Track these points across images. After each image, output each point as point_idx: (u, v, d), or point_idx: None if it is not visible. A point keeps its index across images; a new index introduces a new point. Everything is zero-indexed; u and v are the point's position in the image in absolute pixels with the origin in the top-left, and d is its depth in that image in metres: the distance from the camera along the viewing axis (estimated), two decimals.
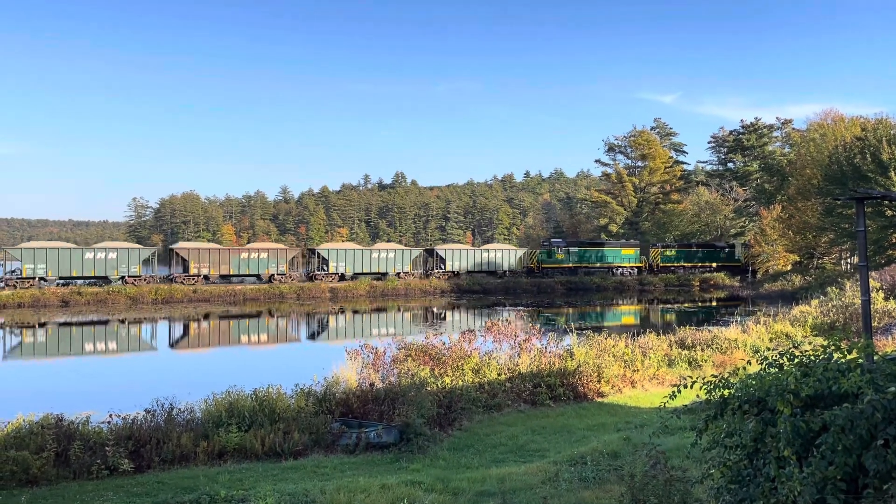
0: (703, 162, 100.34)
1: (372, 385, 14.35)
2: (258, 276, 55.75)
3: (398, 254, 61.71)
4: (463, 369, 16.23)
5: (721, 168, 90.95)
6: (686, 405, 7.27)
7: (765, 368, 5.08)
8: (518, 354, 17.82)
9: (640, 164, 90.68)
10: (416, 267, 63.06)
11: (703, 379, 5.43)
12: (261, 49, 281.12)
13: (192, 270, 53.02)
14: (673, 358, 19.92)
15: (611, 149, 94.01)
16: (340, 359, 16.89)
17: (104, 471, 10.66)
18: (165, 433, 11.77)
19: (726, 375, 5.31)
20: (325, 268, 58.22)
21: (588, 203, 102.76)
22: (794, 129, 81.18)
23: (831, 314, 27.58)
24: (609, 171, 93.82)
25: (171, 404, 12.68)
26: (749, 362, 6.00)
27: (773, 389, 4.66)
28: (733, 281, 67.05)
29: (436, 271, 62.75)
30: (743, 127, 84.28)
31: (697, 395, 5.66)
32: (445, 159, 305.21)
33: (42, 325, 37.83)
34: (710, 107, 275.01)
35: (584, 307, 51.49)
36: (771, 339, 23.64)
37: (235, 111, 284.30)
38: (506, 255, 66.67)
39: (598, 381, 17.06)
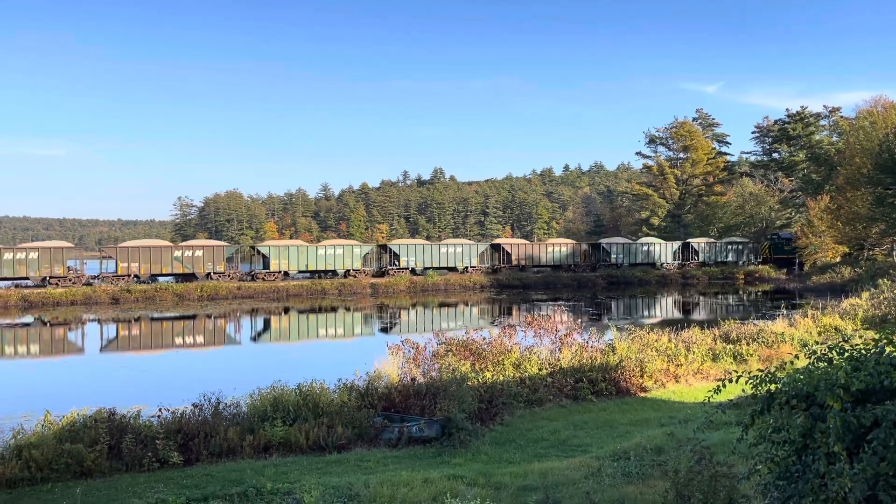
0: (748, 153, 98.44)
1: (413, 380, 14.45)
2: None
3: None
4: (504, 364, 16.23)
5: (766, 159, 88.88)
6: (731, 400, 7.15)
7: (813, 363, 4.98)
8: (559, 349, 17.75)
9: (682, 155, 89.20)
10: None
11: (749, 373, 5.34)
12: (300, 47, 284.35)
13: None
14: (717, 352, 19.61)
15: (652, 141, 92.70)
16: (383, 353, 17.03)
17: (155, 463, 10.95)
18: (213, 427, 12.03)
19: (773, 370, 5.22)
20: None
21: (629, 196, 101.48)
22: (842, 117, 78.87)
23: (883, 307, 26.81)
24: (650, 163, 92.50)
25: (217, 399, 12.94)
26: (797, 356, 5.90)
27: (822, 384, 4.56)
28: (779, 273, 65.60)
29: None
30: (789, 116, 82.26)
31: (743, 390, 5.58)
32: (484, 154, 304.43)
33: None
34: (755, 96, 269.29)
35: (626, 301, 50.97)
36: (819, 333, 23.09)
37: (276, 110, 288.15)
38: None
39: (641, 376, 16.89)
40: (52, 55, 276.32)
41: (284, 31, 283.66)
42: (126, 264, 50.23)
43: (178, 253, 52.69)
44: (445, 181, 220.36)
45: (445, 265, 61.84)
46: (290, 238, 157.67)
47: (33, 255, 48.49)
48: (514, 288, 58.54)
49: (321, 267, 57.13)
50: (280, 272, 55.15)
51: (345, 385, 14.15)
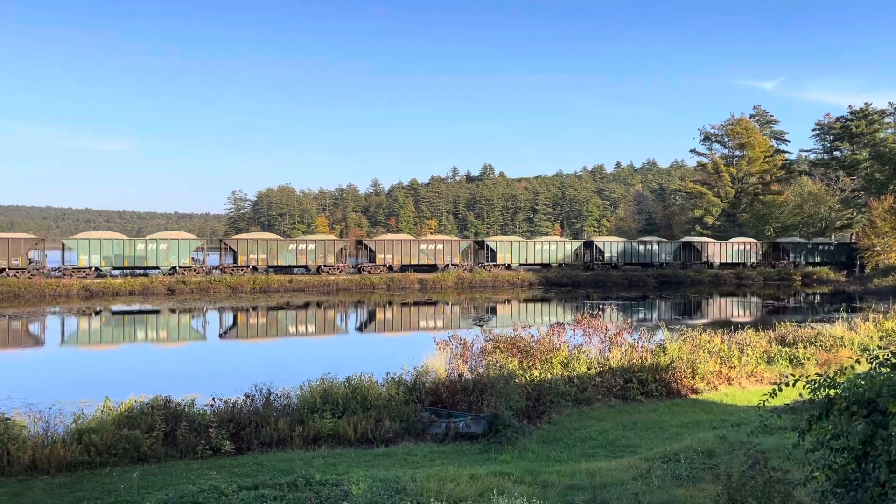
0: (807, 151, 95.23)
1: (460, 376, 14.47)
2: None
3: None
4: (552, 362, 16.12)
5: (826, 157, 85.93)
6: (787, 404, 6.96)
7: (875, 368, 4.82)
8: (608, 349, 17.55)
9: (738, 153, 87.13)
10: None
11: (807, 377, 5.19)
12: (352, 44, 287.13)
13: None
14: (772, 355, 19.11)
15: (707, 138, 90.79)
16: (430, 349, 17.09)
17: (208, 451, 11.22)
18: (264, 417, 12.27)
19: (832, 374, 5.06)
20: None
21: (682, 194, 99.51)
22: None
23: None
24: (705, 160, 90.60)
25: (268, 390, 13.18)
26: (857, 361, 5.70)
27: (884, 390, 4.41)
28: (839, 275, 63.53)
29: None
30: (851, 113, 79.46)
31: (800, 395, 5.43)
32: (534, 151, 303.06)
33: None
34: (815, 92, 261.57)
35: (678, 301, 50.07)
36: (881, 338, 22.26)
37: (329, 106, 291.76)
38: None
39: (692, 378, 16.58)
40: (116, 54, 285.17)
41: (338, 29, 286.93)
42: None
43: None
44: (494, 177, 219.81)
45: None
46: (340, 234, 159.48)
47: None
48: (562, 286, 58.11)
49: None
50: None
51: (392, 379, 14.25)
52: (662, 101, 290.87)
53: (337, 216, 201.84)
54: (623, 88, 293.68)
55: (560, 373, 15.77)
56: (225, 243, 56.58)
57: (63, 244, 52.56)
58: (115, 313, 39.53)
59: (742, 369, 17.63)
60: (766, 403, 6.23)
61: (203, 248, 56.54)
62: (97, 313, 39.28)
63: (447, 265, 59.03)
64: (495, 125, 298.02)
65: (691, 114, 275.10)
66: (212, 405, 12.55)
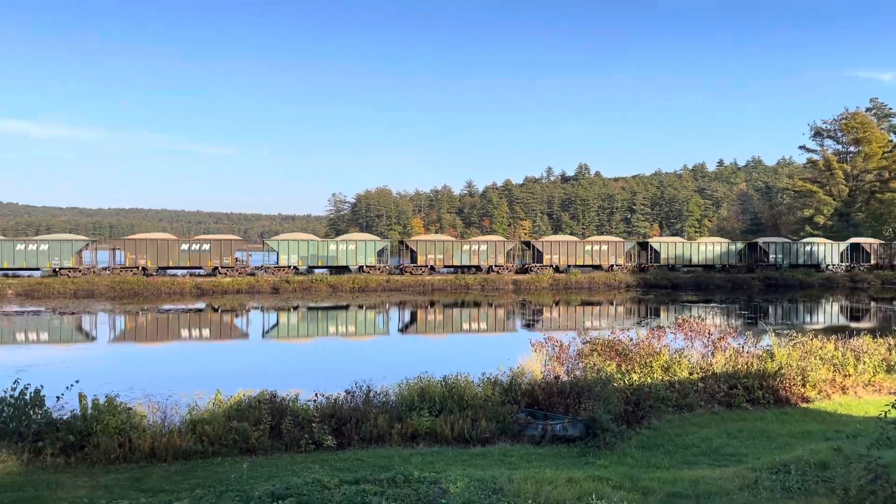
0: None
1: (557, 378, 14.34)
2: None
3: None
4: (651, 366, 15.72)
5: None
6: None
7: None
8: (712, 353, 16.95)
9: (852, 149, 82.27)
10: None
11: None
12: (447, 49, 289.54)
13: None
14: (893, 364, 17.92)
15: (818, 133, 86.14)
16: (526, 350, 17.03)
17: (311, 445, 11.62)
18: (364, 414, 12.57)
19: None
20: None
21: (790, 193, 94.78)
22: None
23: None
24: (816, 157, 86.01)
25: (368, 387, 13.50)
26: None
27: None
28: None
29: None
30: None
31: None
32: (631, 149, 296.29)
33: (295, 308, 42.53)
34: None
35: (786, 305, 47.71)
36: None
37: (425, 109, 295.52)
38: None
39: (803, 385, 15.77)
40: (220, 64, 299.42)
41: (434, 34, 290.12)
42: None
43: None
44: (590, 177, 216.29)
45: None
46: (436, 233, 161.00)
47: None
48: (662, 288, 56.53)
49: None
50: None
51: (488, 379, 14.29)
52: (769, 97, 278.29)
53: (432, 217, 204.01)
54: (727, 84, 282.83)
55: (660, 377, 15.36)
56: (406, 244, 59.68)
57: (265, 244, 57.26)
58: (310, 309, 41.99)
59: (858, 378, 16.63)
60: (888, 414, 5.87)
61: (387, 250, 59.63)
62: (294, 308, 42.04)
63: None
64: (592, 124, 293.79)
65: (800, 109, 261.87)
66: (314, 400, 12.97)
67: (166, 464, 10.81)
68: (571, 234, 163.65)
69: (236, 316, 39.34)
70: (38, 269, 50.77)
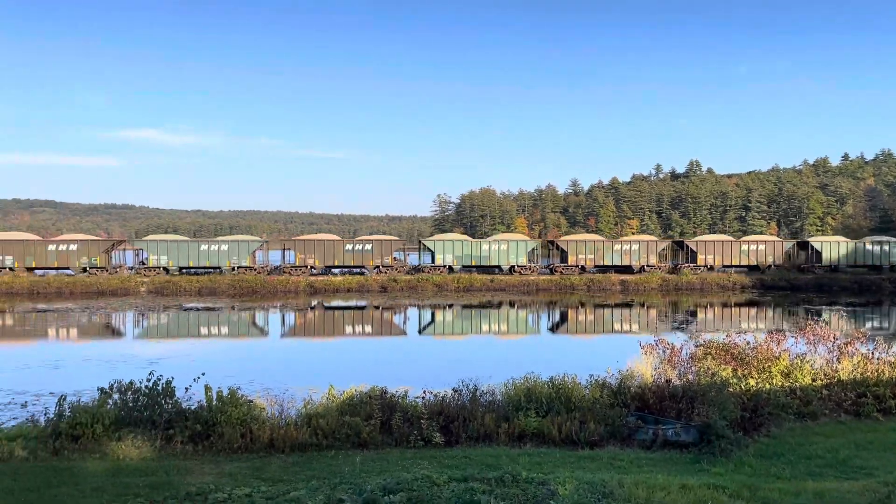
0: None
1: (668, 381, 13.94)
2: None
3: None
4: (770, 372, 15.00)
5: None
6: None
7: None
8: (837, 359, 15.98)
9: None
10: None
11: None
12: (552, 45, 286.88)
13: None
14: None
15: None
16: (634, 352, 16.64)
17: (420, 441, 11.84)
18: (471, 412, 12.68)
19: None
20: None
21: None
22: None
23: None
24: None
25: (475, 385, 13.60)
26: None
27: None
28: None
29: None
30: None
31: None
32: (746, 144, 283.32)
33: (450, 305, 44.21)
34: None
35: None
36: None
37: (528, 107, 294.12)
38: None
39: None
40: (336, 73, 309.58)
41: (535, 31, 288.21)
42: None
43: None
44: (702, 174, 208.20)
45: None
46: (539, 235, 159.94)
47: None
48: (780, 289, 53.71)
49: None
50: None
51: (596, 381, 14.07)
52: None
53: (536, 217, 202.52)
54: (853, 73, 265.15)
55: (780, 383, 14.63)
56: (556, 244, 60.59)
57: (421, 244, 59.91)
58: (464, 307, 43.50)
59: None
60: None
61: (537, 250, 60.49)
62: (450, 306, 43.71)
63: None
64: (703, 119, 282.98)
65: None
66: (423, 398, 13.22)
67: (284, 455, 11.31)
68: (682, 233, 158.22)
69: (395, 313, 40.80)
70: (218, 267, 54.33)
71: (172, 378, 12.51)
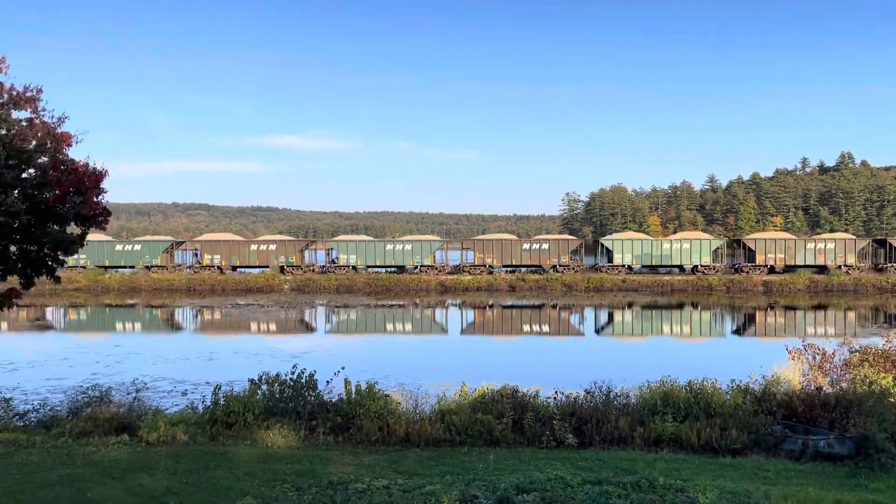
0: None
1: (819, 389, 13.06)
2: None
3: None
4: None
5: None
6: None
7: None
8: None
9: None
10: None
11: None
12: (688, 37, 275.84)
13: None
14: None
15: None
16: (776, 357, 15.71)
17: (552, 442, 11.78)
18: (604, 414, 12.47)
19: None
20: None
21: None
22: None
23: None
24: None
25: (608, 387, 13.36)
26: None
27: None
28: None
29: None
30: None
31: None
32: None
33: (630, 305, 44.36)
34: None
35: None
36: None
37: (662, 100, 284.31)
38: None
39: None
40: (464, 78, 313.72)
41: (670, 25, 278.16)
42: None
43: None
44: (855, 167, 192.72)
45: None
46: (674, 232, 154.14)
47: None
48: None
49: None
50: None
51: (738, 387, 13.43)
52: None
53: (670, 214, 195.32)
54: None
55: None
56: (742, 242, 59.47)
57: (601, 244, 60.04)
58: (643, 307, 43.69)
59: None
60: None
61: (721, 248, 59.72)
62: (629, 306, 44.20)
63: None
64: (856, 107, 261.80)
65: None
66: (554, 398, 13.14)
67: (419, 449, 11.62)
68: (832, 230, 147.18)
69: (572, 312, 41.25)
70: (402, 266, 56.90)
71: (315, 371, 13.16)
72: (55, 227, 13.18)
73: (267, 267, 57.70)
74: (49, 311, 41.98)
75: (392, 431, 12.01)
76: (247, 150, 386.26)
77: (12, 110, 12.67)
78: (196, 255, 61.31)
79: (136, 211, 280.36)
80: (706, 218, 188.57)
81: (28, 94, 12.77)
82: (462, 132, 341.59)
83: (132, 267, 59.12)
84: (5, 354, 24.66)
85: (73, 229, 13.88)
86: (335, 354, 24.77)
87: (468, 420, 12.20)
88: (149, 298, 48.80)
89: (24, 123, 12.76)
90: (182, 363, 23.36)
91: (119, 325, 37.57)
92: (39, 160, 12.86)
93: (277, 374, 13.15)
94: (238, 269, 58.84)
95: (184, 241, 65.80)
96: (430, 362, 25.18)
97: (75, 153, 13.31)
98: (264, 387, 13.00)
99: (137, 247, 60.33)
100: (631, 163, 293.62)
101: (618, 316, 40.65)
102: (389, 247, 57.44)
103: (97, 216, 13.34)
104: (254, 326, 35.26)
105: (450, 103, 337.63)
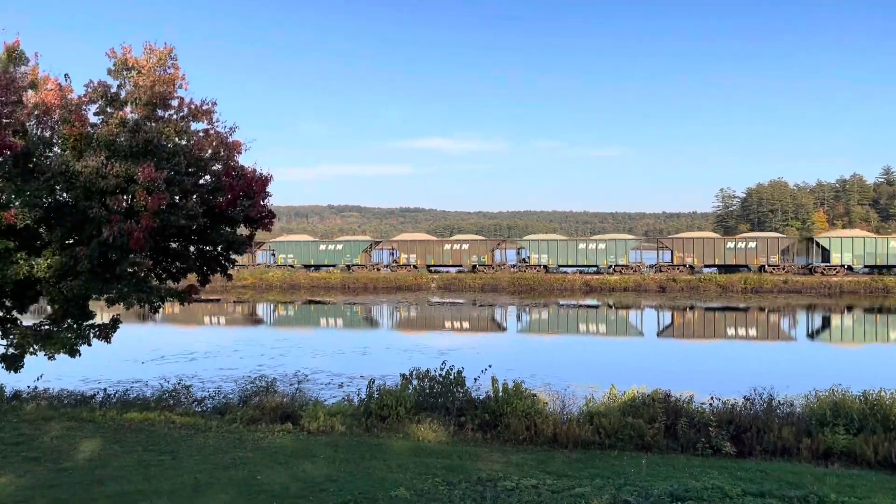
0: None
1: None
2: None
3: None
4: None
5: None
6: None
7: None
8: None
9: None
10: None
11: None
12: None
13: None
14: None
15: None
16: None
17: (708, 450, 11.27)
18: (765, 423, 11.76)
19: None
20: None
21: None
22: None
23: None
24: None
25: (770, 395, 12.60)
26: None
27: None
28: None
29: None
30: None
31: None
32: None
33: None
34: None
35: None
36: None
37: (829, 87, 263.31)
38: None
39: None
40: (606, 73, 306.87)
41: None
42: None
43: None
44: None
45: None
46: (842, 228, 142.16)
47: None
48: None
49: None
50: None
51: None
52: None
53: (838, 210, 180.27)
54: None
55: None
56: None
57: (814, 243, 56.87)
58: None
59: None
60: None
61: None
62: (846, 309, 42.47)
63: None
64: None
65: None
66: (710, 404, 12.56)
67: (567, 450, 11.51)
68: None
69: (783, 315, 40.15)
70: (595, 265, 56.23)
71: (462, 368, 13.40)
72: (227, 228, 14.34)
73: (460, 266, 58.52)
74: (259, 308, 45.71)
75: (539, 431, 11.99)
76: (397, 153, 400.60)
77: (191, 122, 13.91)
78: (393, 254, 63.59)
79: (294, 213, 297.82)
80: (880, 213, 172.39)
81: (204, 107, 13.97)
82: (607, 129, 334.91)
83: (334, 266, 61.76)
84: (186, 345, 27.10)
85: (242, 230, 15.04)
86: (480, 352, 25.06)
87: (618, 423, 11.93)
88: (308, 295, 51.79)
89: (200, 134, 13.98)
90: (338, 357, 24.58)
91: (324, 320, 40.05)
92: (214, 167, 14.03)
93: (427, 370, 13.50)
94: (431, 268, 59.73)
95: (381, 241, 68.90)
96: (577, 363, 24.85)
97: (243, 160, 14.35)
98: (415, 382, 13.40)
99: (339, 246, 63.04)
100: (790, 157, 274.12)
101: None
102: (582, 246, 56.14)
103: (263, 218, 14.38)
104: (404, 323, 36.37)
105: (597, 100, 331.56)
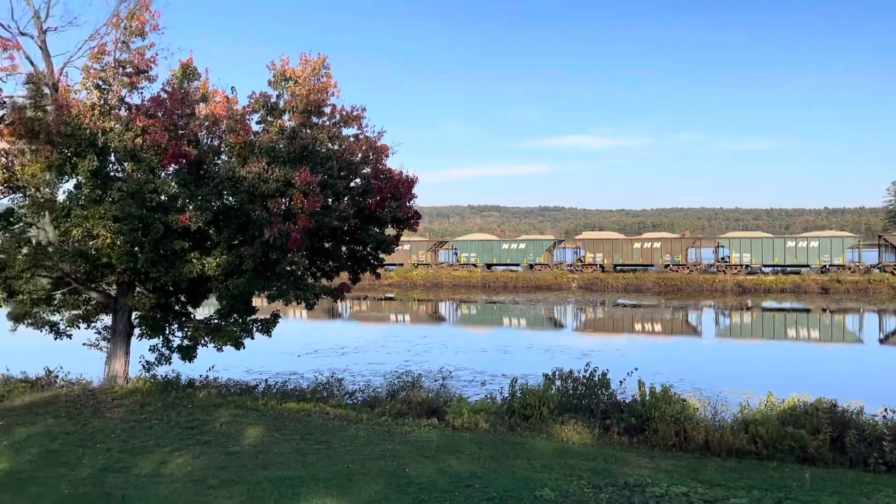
0: None
1: None
2: None
3: None
4: None
5: None
6: None
7: None
8: None
9: None
10: None
11: None
12: None
13: None
14: None
15: None
16: None
17: (881, 466, 10.36)
18: None
19: None
20: None
21: None
22: None
23: None
24: None
25: None
26: None
27: None
28: None
29: None
30: None
31: None
32: None
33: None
34: None
35: None
36: None
37: None
38: None
39: None
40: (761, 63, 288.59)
41: None
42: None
43: (791, 244, 51.43)
44: None
45: None
46: None
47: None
48: None
49: None
50: None
51: None
52: None
53: None
54: None
55: None
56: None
57: None
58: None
59: None
60: None
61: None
62: None
63: None
64: None
65: None
66: (883, 416, 11.53)
67: (720, 459, 10.99)
68: None
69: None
70: (806, 265, 52.55)
71: (607, 370, 13.14)
72: (375, 229, 14.94)
73: (651, 265, 55.79)
74: (441, 306, 47.03)
75: (690, 437, 11.52)
76: (535, 152, 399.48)
77: (342, 128, 14.61)
78: (577, 253, 61.86)
79: (436, 213, 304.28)
80: None
81: (354, 114, 14.63)
82: (757, 120, 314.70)
83: (517, 265, 61.07)
84: (338, 340, 28.46)
85: (389, 230, 15.61)
86: (625, 354, 24.44)
87: (776, 433, 11.22)
88: (449, 294, 52.75)
89: (351, 139, 14.67)
90: (480, 355, 24.86)
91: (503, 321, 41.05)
92: (363, 170, 14.67)
93: (570, 371, 13.36)
94: (618, 268, 57.24)
95: (563, 240, 67.75)
96: (729, 367, 23.62)
97: (389, 163, 14.87)
98: (558, 382, 13.30)
99: (522, 245, 62.14)
100: None
101: None
102: (791, 244, 52.26)
103: (409, 219, 14.85)
104: (548, 323, 36.11)
105: (738, 91, 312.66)
